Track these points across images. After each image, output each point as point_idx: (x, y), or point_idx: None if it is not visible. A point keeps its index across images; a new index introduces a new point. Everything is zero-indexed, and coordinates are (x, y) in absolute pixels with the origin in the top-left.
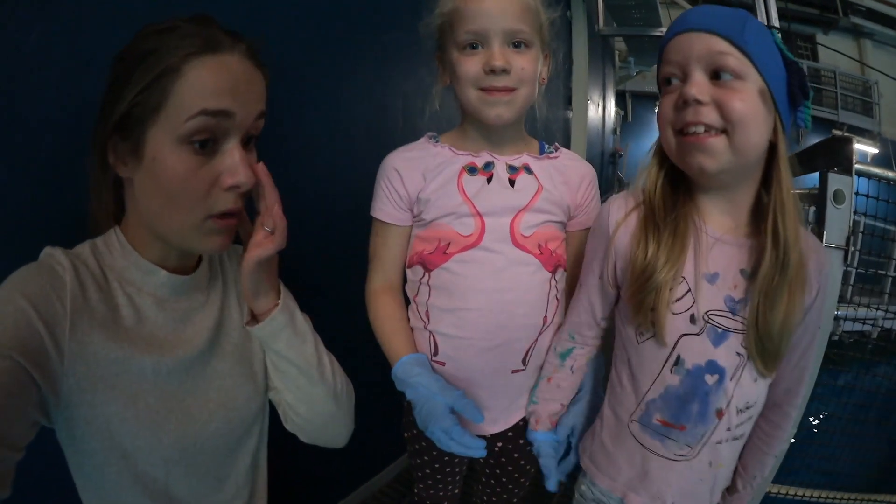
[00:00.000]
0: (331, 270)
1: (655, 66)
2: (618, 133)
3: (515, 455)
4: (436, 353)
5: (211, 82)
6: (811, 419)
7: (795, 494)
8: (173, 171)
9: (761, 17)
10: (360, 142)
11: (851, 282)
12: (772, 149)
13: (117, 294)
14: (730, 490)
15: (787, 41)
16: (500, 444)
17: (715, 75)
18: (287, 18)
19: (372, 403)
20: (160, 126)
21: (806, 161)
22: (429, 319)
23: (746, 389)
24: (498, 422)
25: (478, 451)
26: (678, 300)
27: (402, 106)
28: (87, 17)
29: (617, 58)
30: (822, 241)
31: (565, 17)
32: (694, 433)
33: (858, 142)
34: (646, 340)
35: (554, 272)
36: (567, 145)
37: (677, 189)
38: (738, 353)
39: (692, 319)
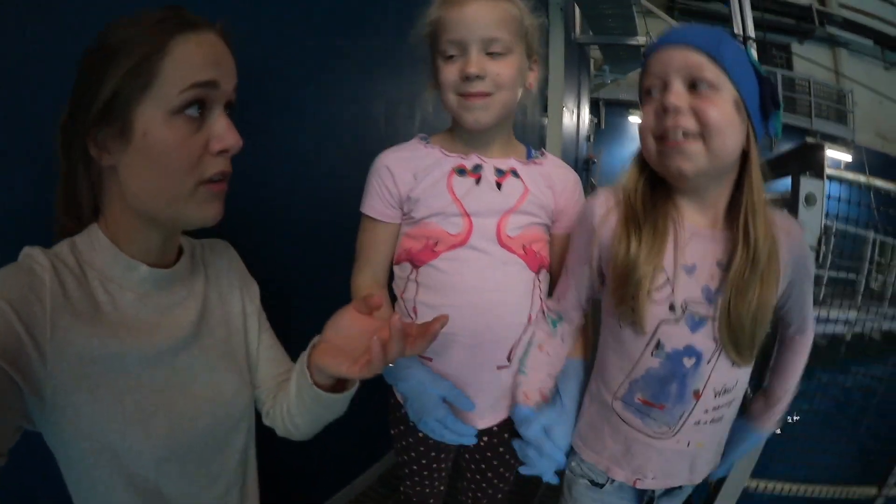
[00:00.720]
0: (317, 271)
1: (629, 74)
2: (591, 140)
3: (500, 450)
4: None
5: (198, 56)
6: (789, 418)
7: (774, 489)
8: (167, 141)
9: (737, 28)
10: (346, 146)
11: (824, 283)
12: (745, 155)
13: (98, 291)
14: (762, 405)
15: (763, 50)
16: (485, 439)
17: (692, 86)
18: (273, 23)
19: (364, 401)
20: (149, 103)
21: (779, 166)
22: (416, 315)
23: (724, 373)
24: (485, 417)
25: (469, 438)
26: (658, 289)
27: (385, 111)
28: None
29: (592, 66)
30: None
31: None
32: (672, 413)
33: (832, 149)
34: (628, 325)
35: (538, 272)
36: None
37: (656, 192)
38: (714, 339)
39: (671, 307)
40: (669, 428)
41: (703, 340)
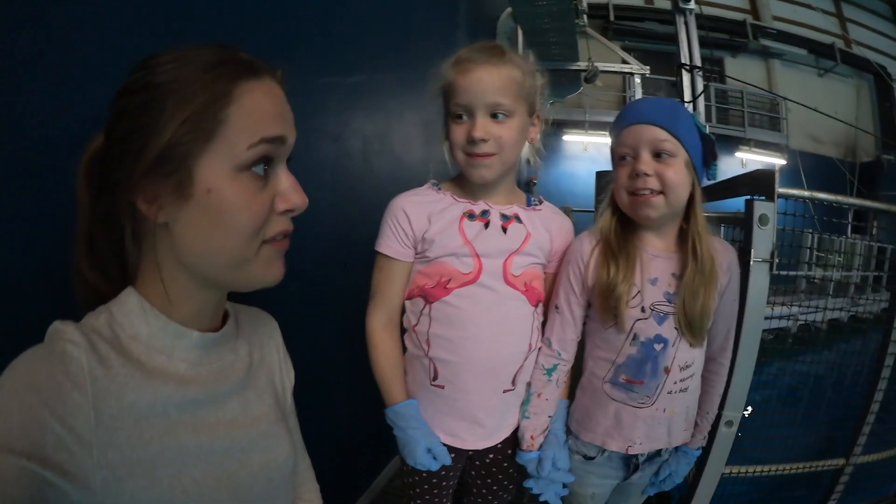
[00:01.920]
0: (303, 307)
1: (569, 96)
2: (531, 162)
3: (505, 464)
4: (435, 378)
5: (266, 107)
6: (745, 411)
7: (748, 472)
8: (234, 200)
9: (685, 57)
10: (325, 185)
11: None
12: (691, 197)
13: (146, 366)
14: (695, 426)
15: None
16: (490, 456)
17: (656, 154)
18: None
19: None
20: (214, 156)
21: (730, 188)
22: (429, 347)
23: (685, 353)
24: (491, 437)
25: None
26: (632, 298)
27: (363, 148)
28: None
29: None
30: (750, 258)
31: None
32: (650, 386)
33: (766, 155)
34: (611, 327)
35: (536, 306)
36: None
37: (625, 228)
38: (676, 328)
39: (642, 310)
40: (649, 398)
41: (668, 330)
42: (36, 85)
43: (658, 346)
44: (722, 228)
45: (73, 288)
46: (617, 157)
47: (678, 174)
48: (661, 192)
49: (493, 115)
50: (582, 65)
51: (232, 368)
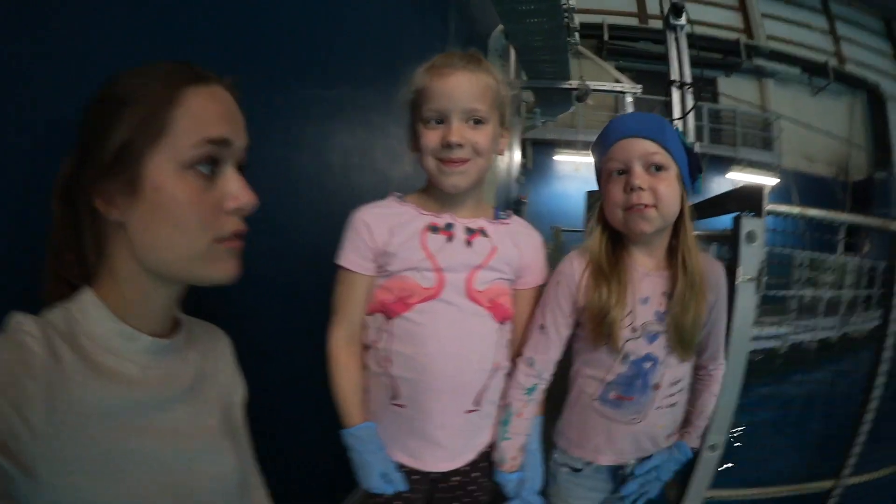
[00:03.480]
0: (279, 324)
1: (560, 115)
2: (521, 182)
3: (471, 488)
4: (395, 397)
5: (210, 110)
6: (731, 435)
7: (733, 496)
8: (179, 196)
9: (674, 74)
10: (306, 198)
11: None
12: (679, 212)
13: (98, 365)
14: (685, 426)
15: (695, 87)
16: (456, 479)
17: (648, 168)
18: (233, 72)
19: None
20: (161, 155)
21: (718, 205)
22: (389, 364)
23: (674, 370)
24: (454, 460)
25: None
26: (624, 319)
27: (343, 163)
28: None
29: (524, 109)
30: (737, 276)
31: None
32: (640, 402)
33: (757, 174)
34: (602, 346)
35: (502, 323)
36: None
37: (615, 247)
38: (666, 347)
39: (633, 330)
40: (639, 414)
41: (658, 349)
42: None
43: (647, 365)
44: (713, 247)
45: (42, 294)
46: (605, 173)
47: (671, 187)
48: (655, 206)
49: (469, 121)
50: (573, 83)
51: (180, 377)
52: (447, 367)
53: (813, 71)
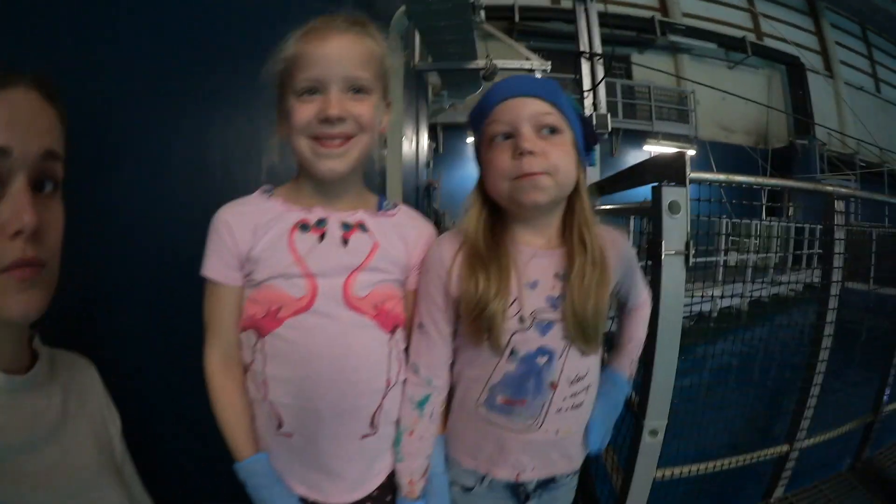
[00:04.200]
0: (151, 344)
1: (467, 98)
2: (431, 166)
3: None
4: (280, 426)
5: None
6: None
7: (683, 473)
8: None
9: (584, 45)
10: (181, 197)
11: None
12: (576, 183)
13: None
14: (612, 350)
15: (605, 59)
16: None
17: (539, 131)
18: (101, 62)
19: None
20: None
21: (634, 177)
22: (267, 389)
23: (575, 364)
24: (357, 489)
25: None
26: (508, 308)
27: (223, 158)
28: None
29: (430, 92)
30: (661, 250)
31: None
32: (533, 405)
33: (674, 146)
34: (484, 342)
35: (393, 332)
36: (383, 184)
37: (495, 227)
38: (564, 338)
39: (521, 320)
40: (534, 419)
41: (553, 340)
42: None
43: (542, 360)
44: (631, 221)
45: None
46: (487, 138)
47: (567, 154)
48: (548, 173)
49: (349, 91)
50: (480, 63)
51: (45, 414)
52: (330, 391)
53: (730, 46)
